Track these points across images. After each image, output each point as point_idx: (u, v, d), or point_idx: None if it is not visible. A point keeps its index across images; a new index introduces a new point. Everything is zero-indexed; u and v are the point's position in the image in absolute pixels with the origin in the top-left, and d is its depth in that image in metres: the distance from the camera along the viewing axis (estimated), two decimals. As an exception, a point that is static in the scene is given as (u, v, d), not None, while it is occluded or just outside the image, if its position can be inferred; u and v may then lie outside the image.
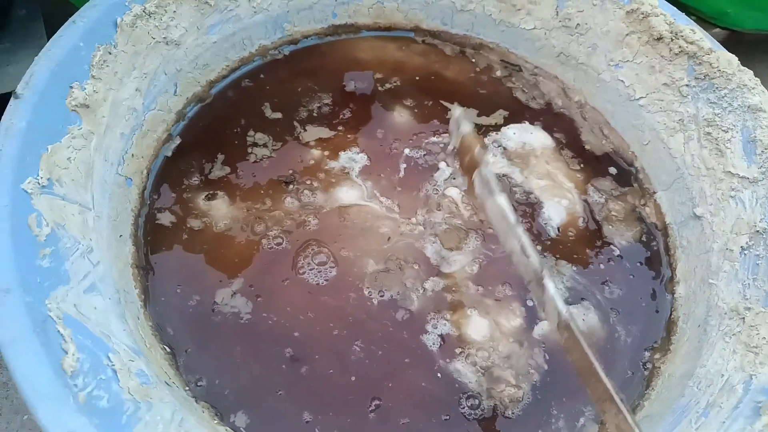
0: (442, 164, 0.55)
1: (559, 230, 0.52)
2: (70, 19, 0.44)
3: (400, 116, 0.58)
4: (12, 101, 0.39)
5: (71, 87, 0.42)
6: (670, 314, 0.49)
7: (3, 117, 0.38)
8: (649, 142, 0.55)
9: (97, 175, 0.43)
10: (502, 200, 0.38)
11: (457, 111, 0.43)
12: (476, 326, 0.45)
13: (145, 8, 0.48)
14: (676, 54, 0.53)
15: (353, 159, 0.54)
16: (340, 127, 0.56)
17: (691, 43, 0.52)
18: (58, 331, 0.33)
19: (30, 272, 0.34)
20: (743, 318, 0.43)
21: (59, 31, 0.43)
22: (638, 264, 0.52)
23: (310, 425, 0.41)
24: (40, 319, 0.32)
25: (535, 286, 0.36)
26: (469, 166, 0.41)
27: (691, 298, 0.48)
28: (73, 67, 0.43)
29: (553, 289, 0.35)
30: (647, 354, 0.47)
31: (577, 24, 0.58)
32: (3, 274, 0.33)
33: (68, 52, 0.43)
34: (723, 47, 0.52)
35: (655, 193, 0.55)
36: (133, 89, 0.47)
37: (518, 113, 0.60)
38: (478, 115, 0.59)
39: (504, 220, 0.37)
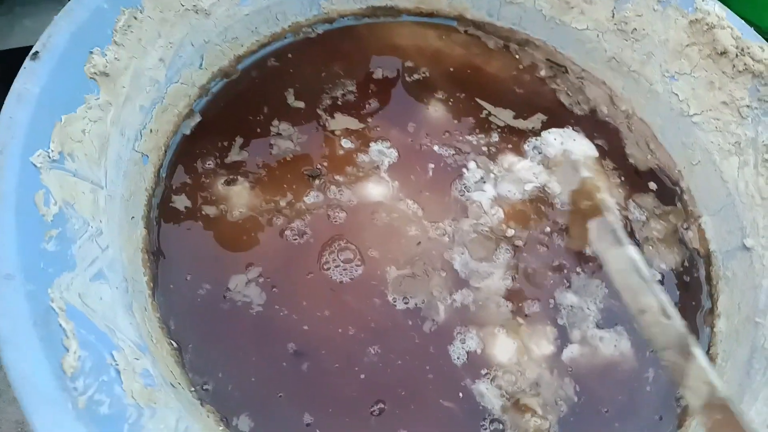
0: (471, 164, 0.52)
1: (596, 248, 0.49)
2: (95, -23, 0.41)
3: (435, 111, 0.55)
4: (27, 63, 0.36)
5: (91, 52, 0.38)
6: (708, 350, 0.46)
7: (16, 81, 0.35)
8: (699, 163, 0.52)
9: (112, 150, 0.39)
10: (633, 252, 0.33)
11: (572, 156, 0.39)
12: (504, 347, 0.43)
13: (176, -29, 0.44)
14: (740, 71, 0.49)
15: (383, 153, 0.51)
16: (369, 119, 0.52)
17: (759, 61, 0.48)
18: (60, 324, 0.30)
19: (34, 256, 0.31)
20: (793, 366, 0.40)
21: (83, -11, 0.40)
22: (677, 291, 0.49)
23: (310, 428, 0.39)
24: (42, 311, 0.30)
25: (675, 353, 0.31)
26: (586, 211, 0.37)
27: (732, 336, 0.45)
28: (94, 31, 0.39)
29: (705, 359, 0.30)
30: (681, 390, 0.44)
31: (634, 29, 0.54)
32: (6, 257, 0.30)
33: (91, 13, 0.39)
34: (790, 68, 0.48)
35: (700, 217, 0.52)
36: (157, 59, 0.44)
37: (559, 118, 0.57)
38: (515, 117, 0.56)
39: (635, 274, 0.33)
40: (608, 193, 0.37)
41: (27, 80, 0.35)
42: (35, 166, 0.33)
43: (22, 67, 0.36)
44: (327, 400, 0.39)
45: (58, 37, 0.37)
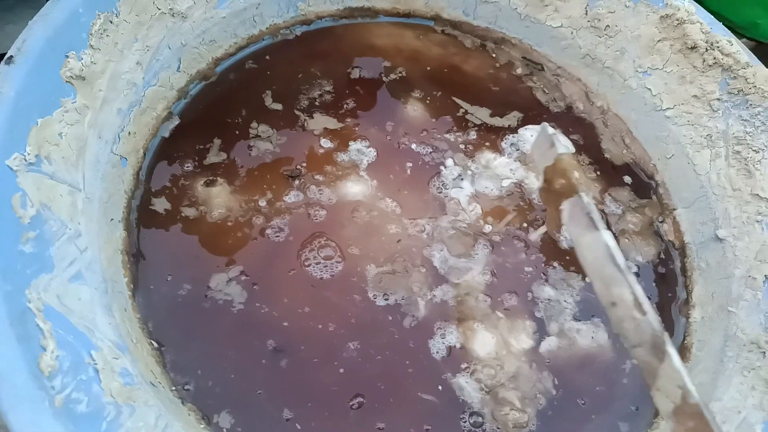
0: (449, 162, 0.52)
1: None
2: (70, -18, 0.41)
3: (414, 110, 0.55)
4: (2, 67, 0.36)
5: (67, 56, 0.39)
6: (684, 339, 0.47)
7: (-9, 85, 0.35)
8: (673, 156, 0.53)
9: (89, 153, 0.40)
10: (609, 238, 0.30)
11: (549, 128, 0.36)
12: (483, 341, 0.43)
13: (151, -25, 0.44)
14: (710, 65, 0.50)
15: (362, 152, 0.51)
16: (348, 119, 0.53)
17: (728, 55, 0.49)
18: (38, 324, 0.30)
19: (10, 258, 0.31)
20: (764, 352, 0.41)
21: (58, -7, 0.40)
22: (653, 283, 0.49)
23: (290, 422, 0.39)
24: (19, 311, 0.30)
25: (647, 352, 0.28)
26: (560, 192, 0.34)
27: (707, 324, 0.46)
28: (70, 35, 0.39)
29: (679, 360, 0.27)
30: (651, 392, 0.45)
31: (607, 25, 0.55)
32: (-20, 259, 0.30)
33: (66, 17, 0.39)
34: (760, 62, 0.49)
35: (674, 209, 0.53)
36: (134, 62, 0.44)
37: (535, 115, 0.57)
38: (492, 115, 0.57)
39: (609, 262, 0.30)
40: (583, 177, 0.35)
41: (1, 84, 0.35)
42: (11, 168, 0.33)
43: (-3, 71, 0.36)
44: (306, 394, 0.40)
45: (33, 41, 0.37)
